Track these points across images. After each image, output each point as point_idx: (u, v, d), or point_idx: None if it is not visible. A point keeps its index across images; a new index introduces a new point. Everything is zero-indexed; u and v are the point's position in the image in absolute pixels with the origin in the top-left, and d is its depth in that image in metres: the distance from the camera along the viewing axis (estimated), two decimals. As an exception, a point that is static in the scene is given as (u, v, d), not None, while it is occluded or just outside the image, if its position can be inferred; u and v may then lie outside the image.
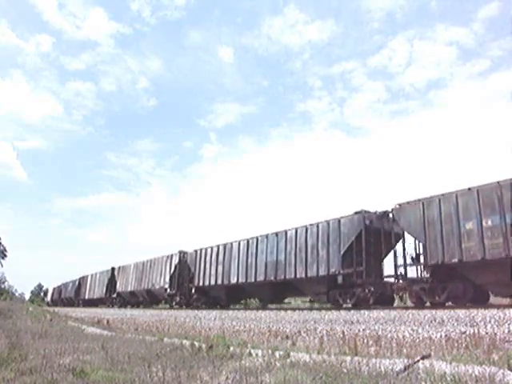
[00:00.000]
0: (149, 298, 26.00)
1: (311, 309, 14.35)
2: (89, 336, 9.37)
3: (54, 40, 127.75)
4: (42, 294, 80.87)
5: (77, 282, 40.54)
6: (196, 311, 17.01)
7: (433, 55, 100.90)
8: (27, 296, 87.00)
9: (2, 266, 51.60)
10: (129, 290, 27.66)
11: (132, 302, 28.95)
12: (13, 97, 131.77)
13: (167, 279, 22.65)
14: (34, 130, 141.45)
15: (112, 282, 30.93)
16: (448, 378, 3.72)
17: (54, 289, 55.60)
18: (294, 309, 14.40)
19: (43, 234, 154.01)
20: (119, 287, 29.41)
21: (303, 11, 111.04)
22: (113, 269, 31.42)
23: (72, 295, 41.55)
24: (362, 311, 10.34)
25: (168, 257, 23.34)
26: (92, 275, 36.23)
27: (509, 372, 3.88)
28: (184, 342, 7.29)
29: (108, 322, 16.44)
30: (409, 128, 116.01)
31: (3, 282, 69.90)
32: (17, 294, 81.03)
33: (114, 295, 30.09)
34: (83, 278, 38.82)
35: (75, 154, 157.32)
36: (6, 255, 49.78)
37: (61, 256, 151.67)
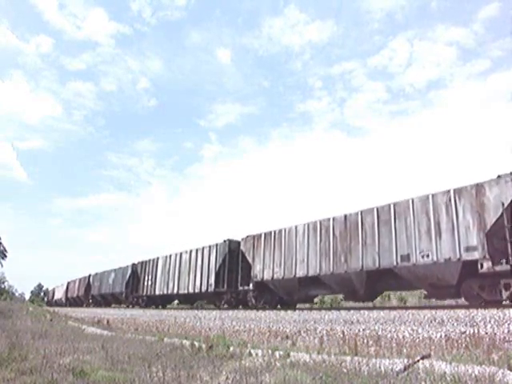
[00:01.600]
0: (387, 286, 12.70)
1: (311, 309, 14.35)
2: (89, 336, 9.38)
3: (54, 41, 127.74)
4: (42, 293, 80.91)
5: (128, 271, 26.69)
6: (196, 311, 17.00)
7: (433, 55, 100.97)
8: (27, 296, 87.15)
9: (1, 266, 51.61)
10: (297, 274, 13.80)
11: (303, 296, 14.91)
12: (13, 97, 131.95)
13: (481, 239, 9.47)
14: (34, 130, 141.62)
15: (230, 265, 17.32)
16: (448, 378, 3.73)
17: (70, 283, 42.12)
18: (293, 309, 14.38)
19: (43, 234, 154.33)
20: (260, 273, 15.36)
21: (303, 12, 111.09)
22: (231, 242, 17.72)
23: (119, 290, 27.63)
24: (362, 311, 10.34)
25: (450, 193, 10.22)
26: (168, 257, 22.36)
27: (509, 372, 3.88)
28: (184, 341, 7.30)
29: (108, 322, 16.46)
30: (409, 128, 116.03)
31: (3, 282, 70.00)
32: (17, 294, 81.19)
33: (248, 287, 16.13)
34: (143, 263, 25.26)
35: (75, 154, 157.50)
36: (6, 255, 49.70)
37: (61, 256, 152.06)
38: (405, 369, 4.22)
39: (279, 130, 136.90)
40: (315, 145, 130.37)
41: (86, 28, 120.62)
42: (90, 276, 35.39)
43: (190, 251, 20.40)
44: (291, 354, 5.55)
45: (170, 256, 22.17)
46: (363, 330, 8.35)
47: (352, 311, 10.68)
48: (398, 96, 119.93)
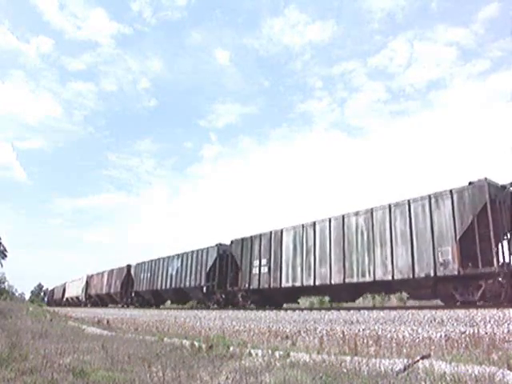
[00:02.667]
0: None
1: (311, 309, 14.33)
2: (89, 336, 9.37)
3: (54, 42, 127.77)
4: (42, 293, 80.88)
5: (212, 255, 18.55)
6: (196, 311, 17.00)
7: (433, 56, 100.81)
8: (27, 296, 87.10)
9: (1, 266, 51.51)
10: None
11: None
12: (13, 97, 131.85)
13: None
14: (34, 130, 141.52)
15: None
16: (448, 378, 3.73)
17: (93, 277, 33.82)
18: (293, 309, 14.37)
19: (43, 234, 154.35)
20: None
21: (304, 12, 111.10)
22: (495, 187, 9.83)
23: (192, 284, 19.71)
24: (362, 311, 10.33)
25: None
26: (309, 227, 13.88)
27: (508, 372, 3.88)
28: (184, 341, 7.30)
29: (108, 322, 16.45)
30: (409, 128, 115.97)
31: (3, 282, 69.86)
32: (17, 294, 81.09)
33: None
34: (245, 241, 16.76)
35: (75, 154, 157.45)
36: (6, 255, 49.55)
37: (61, 256, 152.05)
38: (405, 369, 4.22)
39: (279, 131, 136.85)
40: (315, 145, 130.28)
41: (87, 28, 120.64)
42: (129, 267, 27.51)
43: (372, 210, 11.36)
44: (291, 354, 5.55)
45: (314, 224, 13.43)
46: (363, 330, 8.35)
47: (352, 311, 10.69)
48: (398, 96, 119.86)
